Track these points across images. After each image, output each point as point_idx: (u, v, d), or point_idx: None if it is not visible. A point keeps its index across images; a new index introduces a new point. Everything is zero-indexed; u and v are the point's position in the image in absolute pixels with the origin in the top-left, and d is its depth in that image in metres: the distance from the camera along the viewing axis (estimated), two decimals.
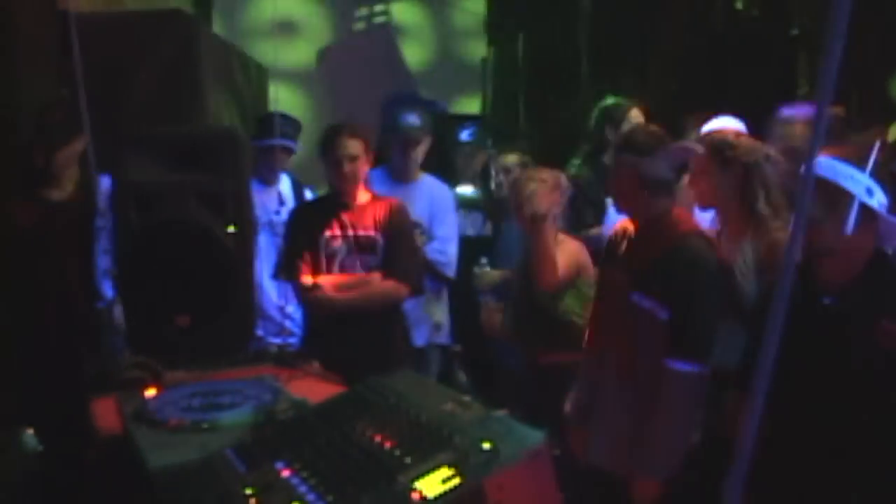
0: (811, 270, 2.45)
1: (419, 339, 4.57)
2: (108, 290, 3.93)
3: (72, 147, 3.78)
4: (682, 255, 3.04)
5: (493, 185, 5.48)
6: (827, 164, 2.30)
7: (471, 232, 5.24)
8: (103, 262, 3.91)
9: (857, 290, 2.38)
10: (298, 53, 8.18)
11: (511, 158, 5.18)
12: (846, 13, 0.94)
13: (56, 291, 3.78)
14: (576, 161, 4.90)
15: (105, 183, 3.86)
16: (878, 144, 2.36)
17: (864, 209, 2.29)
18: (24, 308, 3.72)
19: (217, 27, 7.57)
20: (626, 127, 4.53)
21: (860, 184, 2.29)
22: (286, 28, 8.08)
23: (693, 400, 2.99)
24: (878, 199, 2.32)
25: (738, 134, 3.37)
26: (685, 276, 3.01)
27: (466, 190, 5.44)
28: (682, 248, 3.05)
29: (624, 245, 3.22)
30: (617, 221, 3.58)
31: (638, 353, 3.09)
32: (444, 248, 4.61)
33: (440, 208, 4.70)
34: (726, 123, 3.76)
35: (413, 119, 4.70)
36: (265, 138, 4.74)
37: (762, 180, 3.18)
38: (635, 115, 4.75)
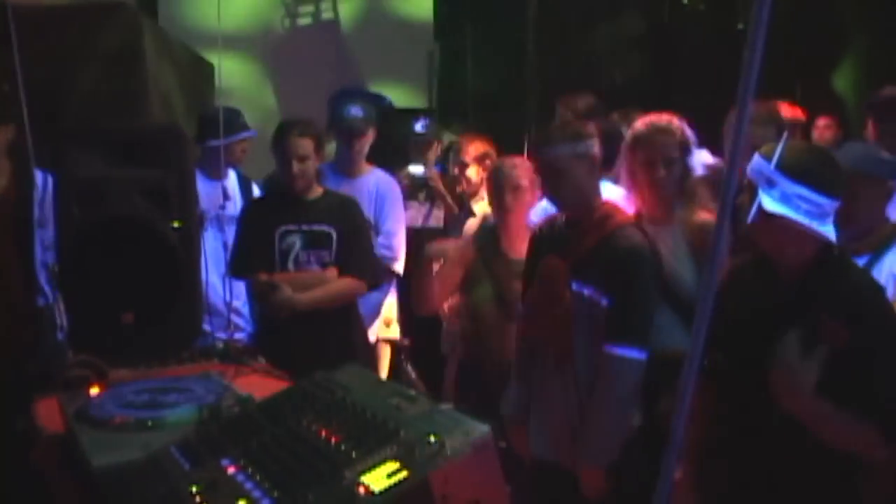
0: (766, 259, 2.50)
1: (368, 334, 4.57)
2: (45, 284, 3.88)
3: None
4: (620, 243, 3.08)
5: (454, 172, 5.48)
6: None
7: (420, 223, 5.24)
8: (40, 255, 3.86)
9: (806, 281, 2.42)
10: (240, 20, 7.96)
11: (476, 147, 5.16)
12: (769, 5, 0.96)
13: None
14: None
15: (40, 177, 3.82)
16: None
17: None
18: None
19: (162, 20, 7.48)
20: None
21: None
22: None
23: (633, 385, 3.03)
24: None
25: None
26: (624, 263, 3.05)
27: (418, 169, 5.42)
28: (618, 237, 3.10)
29: (556, 235, 3.25)
30: (541, 211, 3.65)
31: (577, 340, 3.12)
32: (391, 243, 4.61)
33: (387, 202, 4.70)
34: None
35: (356, 111, 4.70)
36: (209, 137, 4.69)
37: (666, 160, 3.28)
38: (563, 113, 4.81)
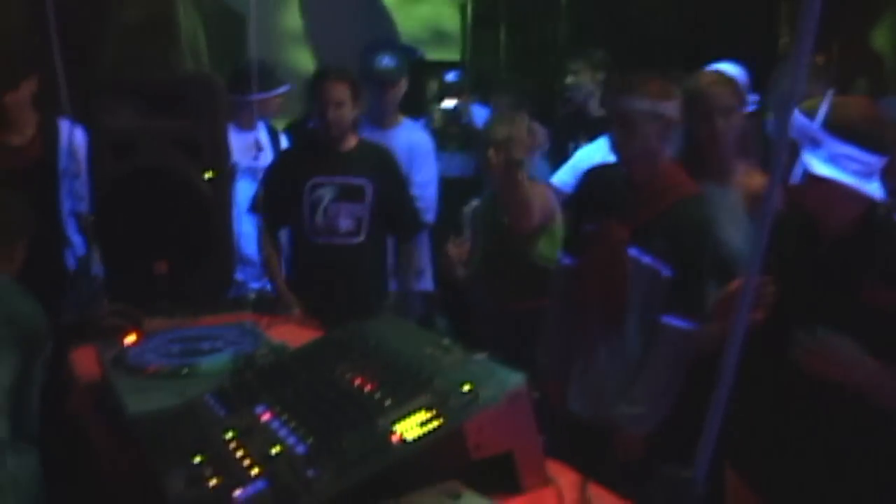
0: (808, 218, 2.44)
1: (400, 284, 4.57)
2: (73, 232, 3.91)
3: (21, 91, 3.73)
4: (688, 217, 3.02)
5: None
6: None
7: (455, 173, 5.19)
8: (68, 204, 3.89)
9: (850, 242, 2.36)
10: None
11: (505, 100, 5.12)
12: None
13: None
14: None
15: (67, 127, 3.84)
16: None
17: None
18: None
19: None
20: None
21: None
22: None
23: (684, 357, 3.00)
24: None
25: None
26: (691, 238, 3.00)
27: (450, 103, 5.37)
28: (686, 209, 3.03)
29: (615, 195, 3.17)
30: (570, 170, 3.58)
31: (630, 306, 3.08)
32: (423, 195, 4.59)
33: (419, 153, 4.67)
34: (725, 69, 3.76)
35: (388, 61, 4.65)
36: (242, 91, 4.68)
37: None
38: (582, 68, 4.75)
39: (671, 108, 3.07)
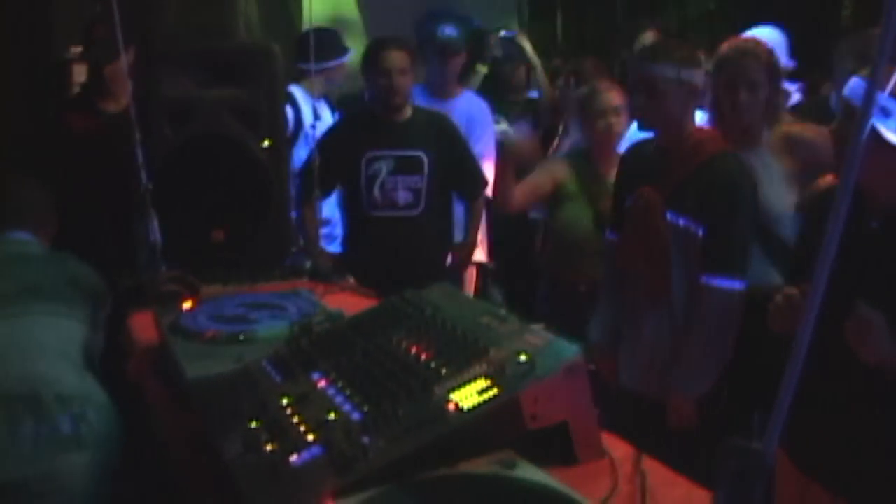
0: (860, 193, 2.37)
1: (455, 256, 4.57)
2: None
3: (119, 62, 3.79)
4: (718, 172, 2.99)
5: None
6: None
7: (499, 139, 5.16)
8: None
9: None
10: None
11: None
12: None
13: (113, 201, 3.87)
14: None
15: None
16: None
17: None
18: (84, 217, 3.82)
19: None
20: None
21: None
22: None
23: (732, 315, 2.96)
24: None
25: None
26: (723, 192, 2.96)
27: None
28: (716, 165, 3.00)
29: (648, 163, 3.15)
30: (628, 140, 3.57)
31: (673, 272, 3.05)
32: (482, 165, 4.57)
33: (478, 125, 4.65)
34: (763, 34, 3.68)
35: (450, 30, 4.63)
36: (302, 61, 4.68)
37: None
38: (649, 37, 4.69)
39: (697, 75, 3.03)
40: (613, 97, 3.96)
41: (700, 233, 2.98)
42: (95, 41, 3.79)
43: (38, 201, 3.08)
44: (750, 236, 3.00)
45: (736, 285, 2.93)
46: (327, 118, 4.90)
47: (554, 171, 4.11)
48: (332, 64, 4.83)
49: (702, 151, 3.03)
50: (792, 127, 3.30)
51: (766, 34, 4.03)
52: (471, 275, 4.74)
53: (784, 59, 4.09)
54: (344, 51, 5.01)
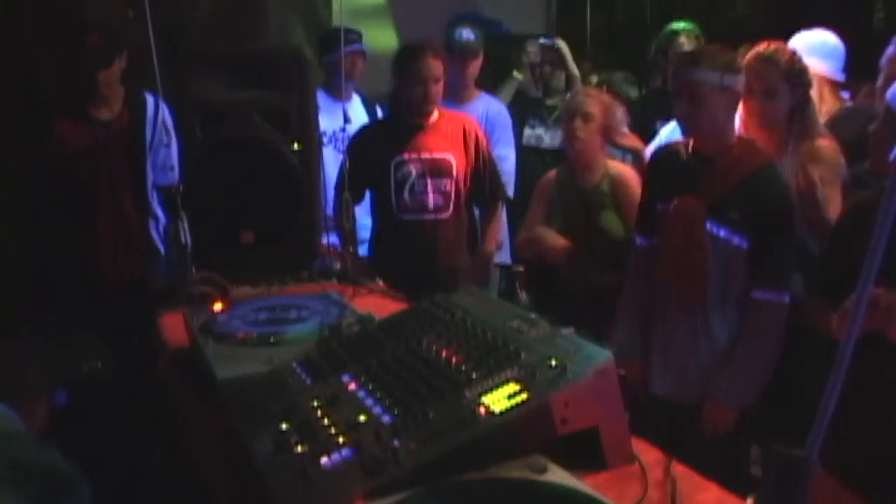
0: None
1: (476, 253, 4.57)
2: (157, 206, 3.99)
3: (112, 68, 3.82)
4: (767, 185, 2.97)
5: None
6: None
7: (534, 143, 5.15)
8: (152, 176, 4.00)
9: None
10: None
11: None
12: None
13: (111, 204, 3.89)
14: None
15: (151, 101, 3.92)
16: None
17: None
18: (82, 221, 3.88)
19: None
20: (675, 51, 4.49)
21: None
22: None
23: (782, 329, 2.95)
24: None
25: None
26: (773, 205, 2.94)
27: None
28: (764, 178, 2.98)
29: (686, 171, 3.12)
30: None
31: (710, 282, 3.03)
32: (502, 168, 4.57)
33: (497, 127, 4.65)
34: (819, 37, 3.64)
35: (467, 34, 4.64)
36: (331, 51, 4.70)
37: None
38: (683, 41, 4.66)
39: (739, 80, 3.01)
40: (588, 103, 3.86)
41: (743, 244, 2.96)
42: (87, 48, 3.81)
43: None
44: (793, 249, 2.99)
45: (784, 298, 2.92)
46: (360, 118, 4.91)
47: (540, 194, 4.10)
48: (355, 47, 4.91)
49: (746, 162, 3.01)
50: (823, 141, 3.25)
51: (816, 39, 3.94)
52: (495, 277, 4.74)
53: (838, 67, 4.00)
54: (354, 41, 5.00)
